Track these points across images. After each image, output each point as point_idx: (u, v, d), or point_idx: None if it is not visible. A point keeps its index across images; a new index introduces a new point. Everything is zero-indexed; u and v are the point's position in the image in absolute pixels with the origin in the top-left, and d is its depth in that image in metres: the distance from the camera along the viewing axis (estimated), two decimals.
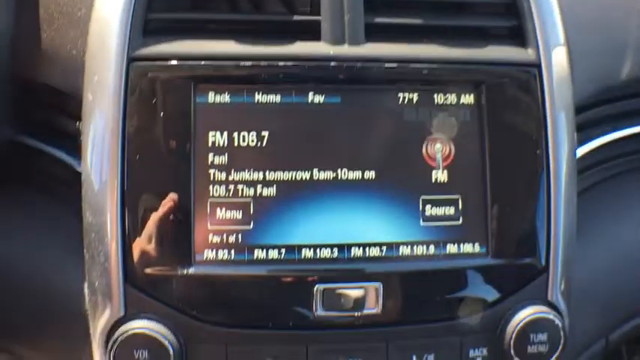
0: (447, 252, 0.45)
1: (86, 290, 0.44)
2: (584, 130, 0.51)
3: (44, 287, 0.49)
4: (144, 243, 0.43)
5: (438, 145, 0.45)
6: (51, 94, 0.47)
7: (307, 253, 0.43)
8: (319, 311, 0.43)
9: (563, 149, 0.45)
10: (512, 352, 0.44)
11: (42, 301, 0.48)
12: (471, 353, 0.45)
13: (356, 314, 0.43)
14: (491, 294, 0.45)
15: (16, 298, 0.48)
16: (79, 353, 0.47)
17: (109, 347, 0.42)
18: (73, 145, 0.47)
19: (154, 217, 0.43)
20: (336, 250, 0.44)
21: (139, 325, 0.42)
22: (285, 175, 0.44)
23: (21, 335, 0.49)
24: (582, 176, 0.50)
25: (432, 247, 0.44)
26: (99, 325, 0.43)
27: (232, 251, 0.43)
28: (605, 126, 0.53)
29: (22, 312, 0.48)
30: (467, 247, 0.45)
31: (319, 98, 0.44)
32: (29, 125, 0.49)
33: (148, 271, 0.43)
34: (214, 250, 0.43)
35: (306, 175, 0.44)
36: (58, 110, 0.48)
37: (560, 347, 0.45)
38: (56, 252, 0.49)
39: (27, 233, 0.50)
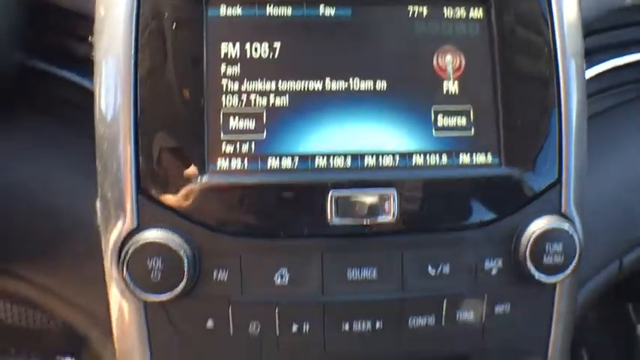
0: (460, 162, 0.45)
1: (99, 205, 0.44)
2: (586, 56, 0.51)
3: (57, 208, 0.48)
4: (157, 153, 0.43)
5: (449, 57, 0.45)
6: (61, 16, 0.48)
7: (320, 161, 0.43)
8: (334, 219, 0.43)
9: (573, 62, 0.45)
10: (528, 262, 0.44)
11: (53, 221, 0.48)
12: (487, 264, 0.45)
13: (370, 221, 0.43)
14: (504, 204, 0.45)
15: (27, 220, 0.48)
16: (91, 272, 0.46)
17: (122, 258, 0.42)
18: (84, 68, 0.48)
19: (167, 127, 0.43)
20: (349, 158, 0.44)
21: (152, 235, 0.42)
22: (298, 85, 0.44)
23: (33, 257, 0.48)
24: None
25: (444, 157, 0.44)
26: (111, 238, 0.43)
27: (245, 160, 0.43)
28: (606, 54, 0.53)
29: (33, 233, 0.48)
30: (479, 158, 0.45)
31: (330, 11, 0.45)
32: (40, 49, 0.49)
33: (161, 181, 0.43)
34: (227, 160, 0.43)
35: (318, 85, 0.44)
36: (69, 33, 0.48)
37: (575, 259, 0.44)
38: (68, 174, 0.49)
39: (39, 156, 0.49)
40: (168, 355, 0.45)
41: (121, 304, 0.44)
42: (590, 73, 0.52)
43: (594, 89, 0.53)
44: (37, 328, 0.75)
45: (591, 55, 0.51)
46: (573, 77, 0.45)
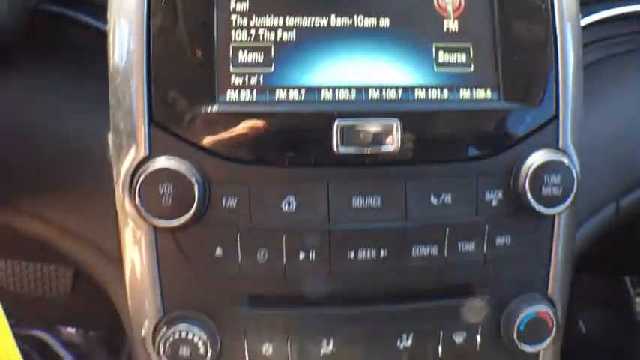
0: (460, 97, 0.46)
1: (110, 138, 0.46)
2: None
3: (66, 142, 0.49)
4: (168, 84, 0.44)
5: None
6: None
7: (326, 93, 0.45)
8: (339, 148, 0.44)
9: (568, 3, 0.48)
10: (527, 193, 0.45)
11: (63, 154, 0.49)
12: (487, 196, 0.46)
13: (374, 151, 0.44)
14: (503, 138, 0.46)
15: (37, 153, 0.49)
16: (101, 206, 0.47)
17: (134, 184, 0.43)
18: (97, 11, 0.49)
19: (178, 60, 0.44)
20: (354, 91, 0.45)
21: (163, 162, 0.43)
22: (304, 21, 0.46)
23: (43, 191, 0.49)
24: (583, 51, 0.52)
25: (445, 91, 0.46)
26: (123, 167, 0.44)
27: (254, 92, 0.45)
28: (596, 6, 0.55)
29: (42, 166, 0.49)
30: (479, 93, 0.46)
31: None
32: None
33: (172, 111, 0.44)
34: (237, 91, 0.45)
35: (324, 21, 0.46)
36: None
37: (573, 191, 0.46)
38: (78, 111, 0.50)
39: (49, 93, 0.51)
40: (178, 283, 0.46)
41: (131, 233, 0.45)
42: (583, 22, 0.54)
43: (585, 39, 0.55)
44: (38, 296, 0.75)
45: (582, 7, 0.54)
46: (568, 17, 0.47)
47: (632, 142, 0.53)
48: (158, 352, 0.45)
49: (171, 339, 0.45)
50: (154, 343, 0.46)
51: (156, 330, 0.45)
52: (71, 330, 0.79)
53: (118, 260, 0.47)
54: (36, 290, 0.74)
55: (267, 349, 0.46)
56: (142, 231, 0.45)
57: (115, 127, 0.45)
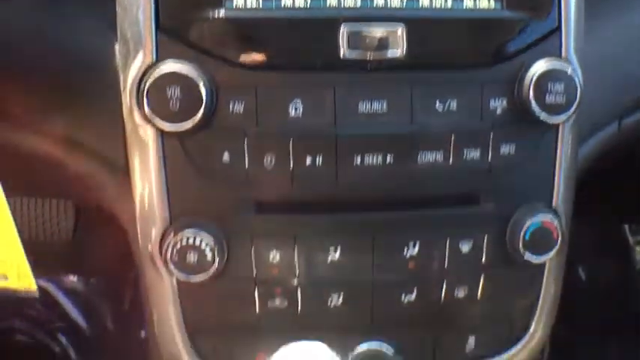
0: (465, 6, 0.47)
1: (117, 46, 0.46)
2: None
3: (70, 49, 0.49)
4: None
5: None
6: None
7: (332, 0, 0.45)
8: (345, 52, 0.44)
9: None
10: (531, 100, 0.46)
11: (67, 62, 0.49)
12: (492, 103, 0.46)
13: (380, 55, 0.45)
14: (508, 46, 0.47)
15: (40, 60, 0.49)
16: (106, 116, 0.47)
17: (142, 89, 0.43)
18: None
19: None
20: None
21: (171, 66, 0.44)
22: None
23: (50, 104, 0.49)
24: None
25: (449, 1, 0.46)
26: (130, 74, 0.45)
27: None
28: None
29: (50, 79, 0.49)
30: (482, 2, 0.47)
31: None
32: None
33: (179, 17, 0.44)
34: None
35: None
36: None
37: (577, 100, 0.46)
38: (83, 21, 0.50)
39: (57, 7, 0.51)
40: (185, 190, 0.46)
41: (138, 141, 0.45)
42: None
43: None
44: (39, 242, 0.75)
45: None
46: None
47: (635, 62, 0.54)
48: (165, 260, 0.45)
49: (178, 245, 0.45)
50: (160, 251, 0.46)
51: (163, 238, 0.46)
52: (73, 278, 0.79)
53: (125, 171, 0.47)
54: (36, 237, 0.74)
55: (275, 255, 0.46)
56: (150, 137, 0.45)
57: (123, 34, 0.45)
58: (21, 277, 0.47)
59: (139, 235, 0.47)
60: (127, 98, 0.45)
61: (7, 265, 0.47)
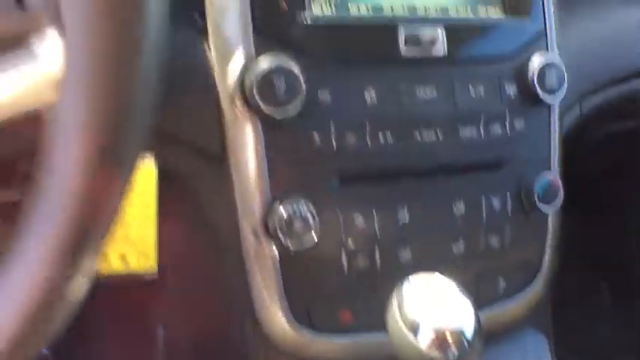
0: (481, 13, 0.60)
1: (213, 47, 0.52)
2: None
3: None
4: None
5: None
6: None
7: (388, 10, 0.56)
8: (403, 50, 0.55)
9: None
10: (536, 85, 0.59)
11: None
12: (507, 89, 0.60)
13: (428, 52, 0.56)
14: (514, 44, 0.60)
15: None
16: (203, 107, 0.53)
17: (248, 81, 0.50)
18: None
19: None
20: (406, 7, 0.57)
21: (273, 60, 0.51)
22: None
23: None
24: None
25: (469, 8, 0.59)
26: (231, 70, 0.51)
27: (334, 7, 0.55)
28: None
29: None
30: (491, 10, 0.61)
31: None
32: None
33: (272, 20, 0.52)
34: (321, 7, 0.54)
35: None
36: None
37: (565, 83, 0.61)
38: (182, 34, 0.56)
39: None
40: (282, 169, 0.53)
41: (240, 129, 0.52)
42: None
43: None
44: None
45: None
46: None
47: (609, 52, 0.70)
48: (274, 231, 0.52)
49: (285, 216, 0.52)
50: (266, 225, 0.52)
51: (269, 213, 0.52)
52: None
53: (220, 159, 0.53)
54: None
55: (358, 219, 0.55)
56: (252, 124, 0.52)
57: (221, 34, 0.52)
58: (141, 259, 0.50)
59: (240, 214, 0.53)
60: (229, 90, 0.52)
61: (129, 244, 0.50)
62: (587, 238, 0.99)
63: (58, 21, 0.30)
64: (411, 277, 0.48)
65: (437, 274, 0.48)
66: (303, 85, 0.51)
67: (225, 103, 0.52)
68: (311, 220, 0.52)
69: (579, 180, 0.68)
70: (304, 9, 0.53)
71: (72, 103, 0.31)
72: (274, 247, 0.53)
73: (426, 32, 0.56)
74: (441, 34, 0.57)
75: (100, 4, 0.30)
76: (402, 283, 0.48)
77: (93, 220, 0.32)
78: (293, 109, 0.51)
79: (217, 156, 0.54)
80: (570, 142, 0.68)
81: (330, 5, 0.55)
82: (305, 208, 0.52)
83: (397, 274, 0.57)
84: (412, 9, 0.57)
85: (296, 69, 0.51)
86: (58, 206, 0.32)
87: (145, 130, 0.34)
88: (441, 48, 0.57)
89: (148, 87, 0.33)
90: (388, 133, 0.55)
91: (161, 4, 0.33)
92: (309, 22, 0.53)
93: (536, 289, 0.64)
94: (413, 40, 0.56)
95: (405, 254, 0.57)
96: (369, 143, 0.55)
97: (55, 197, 0.31)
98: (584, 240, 0.98)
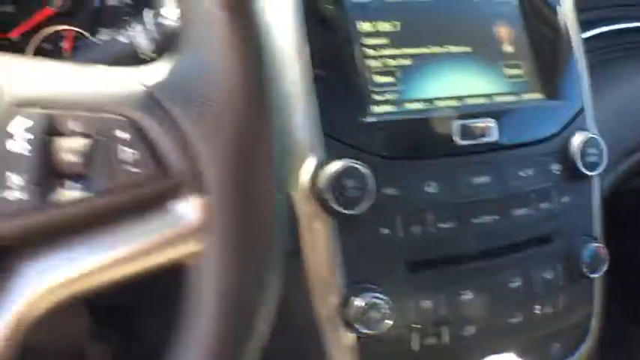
0: (525, 98, 0.64)
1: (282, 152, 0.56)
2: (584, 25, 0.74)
3: None
4: (332, 105, 0.56)
5: (504, 29, 0.65)
6: None
7: (439, 102, 0.60)
8: (459, 141, 0.59)
9: (572, 25, 0.68)
10: (579, 162, 0.64)
11: None
12: (552, 167, 0.64)
13: (481, 141, 0.60)
14: (556, 125, 0.65)
15: None
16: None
17: (321, 183, 0.54)
18: None
19: (337, 84, 0.57)
20: (456, 100, 0.61)
21: (343, 163, 0.55)
22: (416, 51, 0.61)
23: None
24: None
25: (514, 97, 0.64)
26: (304, 172, 0.55)
27: (392, 106, 0.59)
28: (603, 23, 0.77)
29: None
30: (533, 95, 0.65)
31: None
32: None
33: (337, 124, 0.56)
34: (380, 106, 0.58)
35: (428, 50, 0.61)
36: None
37: (605, 157, 0.65)
38: None
39: None
40: (355, 260, 0.56)
41: (314, 227, 0.56)
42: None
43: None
44: None
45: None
46: (577, 39, 0.68)
47: (625, 124, 0.75)
48: (351, 320, 0.55)
49: (361, 306, 0.55)
50: (342, 315, 0.56)
51: (345, 303, 0.56)
52: None
53: (295, 254, 0.57)
54: None
55: (427, 302, 0.58)
56: (324, 222, 0.55)
57: (293, 139, 0.56)
58: None
59: (315, 304, 0.57)
60: (302, 192, 0.55)
61: None
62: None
63: (199, 183, 0.34)
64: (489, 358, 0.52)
65: (512, 355, 0.52)
66: (372, 184, 0.55)
67: (298, 203, 0.56)
68: (385, 308, 0.56)
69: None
70: (366, 109, 0.57)
71: (213, 258, 0.34)
72: (350, 334, 0.57)
73: (478, 122, 0.60)
74: (491, 122, 0.61)
75: (238, 174, 0.34)
76: None
77: None
78: (363, 206, 0.55)
79: (292, 251, 0.57)
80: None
81: (389, 103, 0.59)
82: (379, 298, 0.56)
83: (464, 350, 0.61)
84: (462, 99, 0.62)
85: (364, 169, 0.55)
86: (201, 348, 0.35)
87: None
88: (492, 135, 0.61)
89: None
90: (449, 220, 0.59)
91: None
92: (371, 121, 0.57)
93: (588, 347, 0.68)
94: (467, 131, 0.60)
95: (470, 330, 0.60)
96: (432, 231, 0.59)
97: (197, 342, 0.35)
98: None
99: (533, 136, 0.64)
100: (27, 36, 0.62)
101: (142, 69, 0.36)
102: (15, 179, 0.33)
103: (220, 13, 0.34)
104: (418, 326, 0.58)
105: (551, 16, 0.68)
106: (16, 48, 0.63)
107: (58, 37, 0.62)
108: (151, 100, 0.34)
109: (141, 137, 0.34)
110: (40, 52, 0.62)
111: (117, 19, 0.63)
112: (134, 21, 0.46)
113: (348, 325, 0.56)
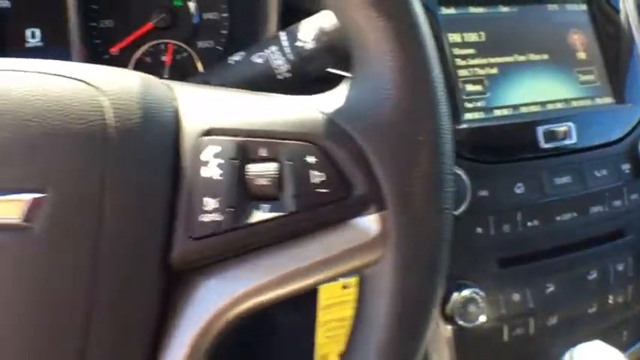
0: (599, 103, 0.68)
1: None
2: None
3: None
4: None
5: (576, 37, 0.69)
6: None
7: (523, 108, 0.64)
8: (543, 144, 0.63)
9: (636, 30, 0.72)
10: None
11: None
12: (622, 167, 0.68)
13: (563, 144, 0.64)
14: (626, 126, 0.69)
15: None
16: None
17: None
18: None
19: None
20: (539, 105, 0.65)
21: None
22: (501, 60, 0.64)
23: None
24: None
25: (589, 100, 0.68)
26: None
27: (482, 112, 0.62)
28: None
29: None
30: (605, 99, 0.69)
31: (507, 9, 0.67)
32: None
33: None
34: (471, 113, 0.62)
35: (511, 59, 0.65)
36: None
37: None
38: None
39: None
40: (454, 262, 0.60)
41: None
42: None
43: None
44: None
45: None
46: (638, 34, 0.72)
47: None
48: (451, 315, 0.59)
49: (460, 302, 0.59)
50: (442, 309, 0.60)
51: (445, 300, 0.60)
52: None
53: None
54: None
55: (515, 296, 0.63)
56: None
57: None
58: None
59: None
60: None
61: None
62: None
63: (378, 200, 0.38)
64: (578, 346, 0.56)
65: (599, 342, 0.56)
66: (469, 188, 0.59)
67: None
68: (481, 302, 0.60)
69: None
70: (459, 116, 0.61)
71: (389, 265, 0.38)
72: (449, 327, 0.61)
73: (559, 126, 0.64)
74: (571, 126, 0.65)
75: (413, 191, 0.37)
76: (570, 351, 0.56)
77: None
78: (461, 207, 0.59)
79: None
80: None
81: (479, 110, 0.63)
82: (476, 292, 0.60)
83: (547, 339, 0.65)
84: (543, 104, 0.66)
85: (462, 173, 0.59)
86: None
87: None
88: (572, 138, 0.65)
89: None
90: (535, 219, 0.63)
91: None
92: (464, 128, 0.61)
93: None
94: (550, 135, 0.64)
95: (553, 320, 0.65)
96: (520, 229, 0.63)
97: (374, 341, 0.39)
98: None
99: (606, 138, 0.68)
100: (126, 50, 0.64)
101: (319, 97, 0.39)
102: (211, 203, 0.36)
103: (388, 46, 0.37)
104: (507, 318, 0.63)
105: (616, 21, 0.72)
106: (117, 62, 0.65)
107: (158, 50, 0.64)
108: (332, 126, 0.38)
109: (328, 161, 0.37)
110: (140, 66, 0.64)
111: (214, 32, 0.66)
112: (268, 43, 0.49)
113: (448, 318, 0.60)
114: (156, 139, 0.36)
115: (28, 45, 0.65)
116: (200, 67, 0.65)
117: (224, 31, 0.66)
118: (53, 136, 0.34)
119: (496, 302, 0.62)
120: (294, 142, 0.37)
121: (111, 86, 0.36)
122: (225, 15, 0.66)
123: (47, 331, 0.34)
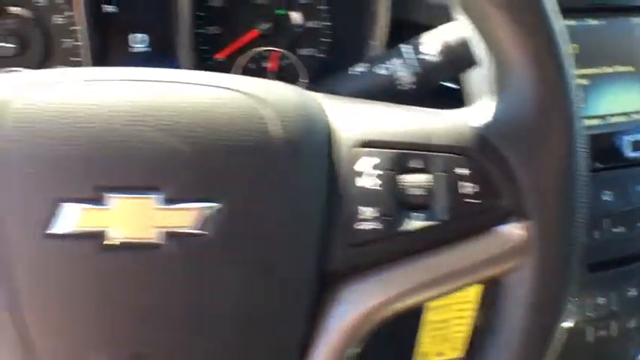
0: None
1: None
2: None
3: None
4: None
5: None
6: None
7: (610, 119, 0.67)
8: (629, 153, 0.66)
9: None
10: None
11: None
12: None
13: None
14: None
15: None
16: None
17: None
18: None
19: None
20: (624, 116, 0.68)
21: None
22: (588, 71, 0.67)
23: None
24: None
25: None
26: None
27: None
28: None
29: None
30: None
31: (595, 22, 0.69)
32: None
33: None
34: None
35: (597, 70, 0.68)
36: None
37: None
38: None
39: None
40: None
41: None
42: None
43: None
44: None
45: None
46: None
47: None
48: None
49: None
50: None
51: None
52: None
53: None
54: None
55: (600, 299, 0.66)
56: None
57: None
58: (455, 350, 0.61)
59: None
60: None
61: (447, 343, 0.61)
62: None
63: (522, 210, 0.40)
64: None
65: None
66: None
67: None
68: (573, 305, 0.63)
69: None
70: None
71: (530, 273, 0.41)
72: None
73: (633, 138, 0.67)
74: None
75: (556, 202, 0.40)
76: None
77: None
78: None
79: None
80: None
81: None
82: None
83: (627, 340, 0.68)
84: (629, 115, 0.68)
85: None
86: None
87: None
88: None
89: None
90: (620, 225, 0.66)
91: None
92: None
93: None
94: (635, 145, 0.67)
95: (632, 323, 0.68)
96: (608, 236, 0.66)
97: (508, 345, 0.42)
98: None
99: None
100: (231, 57, 0.67)
101: (466, 110, 0.42)
102: (368, 212, 0.38)
103: (531, 61, 0.40)
104: (593, 320, 0.66)
105: None
106: (220, 68, 0.68)
107: (261, 57, 0.67)
108: (481, 140, 0.40)
109: (478, 172, 0.40)
110: (244, 72, 0.67)
111: (316, 40, 0.69)
112: (390, 55, 0.52)
113: None
114: (314, 150, 0.38)
115: (132, 50, 0.68)
116: (303, 74, 0.68)
117: (326, 39, 0.69)
118: (224, 147, 0.36)
119: (584, 305, 0.66)
120: (446, 154, 0.40)
121: (273, 98, 0.37)
122: (327, 24, 0.69)
123: (208, 332, 0.36)
